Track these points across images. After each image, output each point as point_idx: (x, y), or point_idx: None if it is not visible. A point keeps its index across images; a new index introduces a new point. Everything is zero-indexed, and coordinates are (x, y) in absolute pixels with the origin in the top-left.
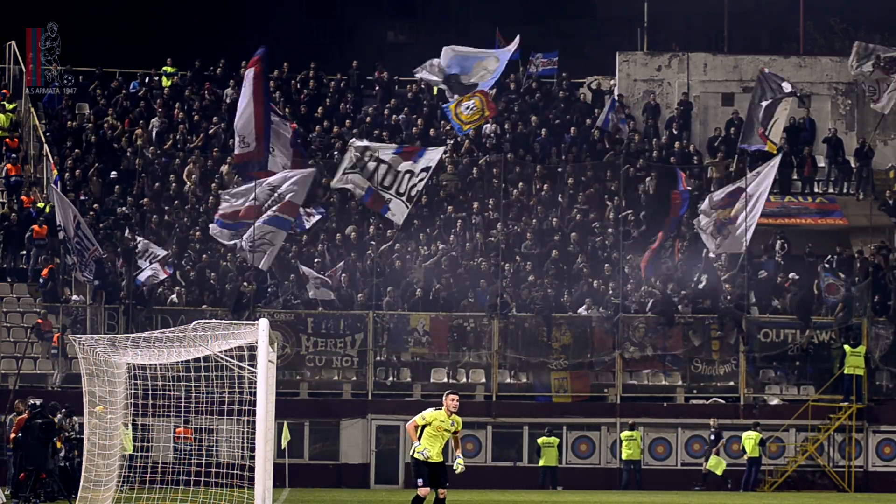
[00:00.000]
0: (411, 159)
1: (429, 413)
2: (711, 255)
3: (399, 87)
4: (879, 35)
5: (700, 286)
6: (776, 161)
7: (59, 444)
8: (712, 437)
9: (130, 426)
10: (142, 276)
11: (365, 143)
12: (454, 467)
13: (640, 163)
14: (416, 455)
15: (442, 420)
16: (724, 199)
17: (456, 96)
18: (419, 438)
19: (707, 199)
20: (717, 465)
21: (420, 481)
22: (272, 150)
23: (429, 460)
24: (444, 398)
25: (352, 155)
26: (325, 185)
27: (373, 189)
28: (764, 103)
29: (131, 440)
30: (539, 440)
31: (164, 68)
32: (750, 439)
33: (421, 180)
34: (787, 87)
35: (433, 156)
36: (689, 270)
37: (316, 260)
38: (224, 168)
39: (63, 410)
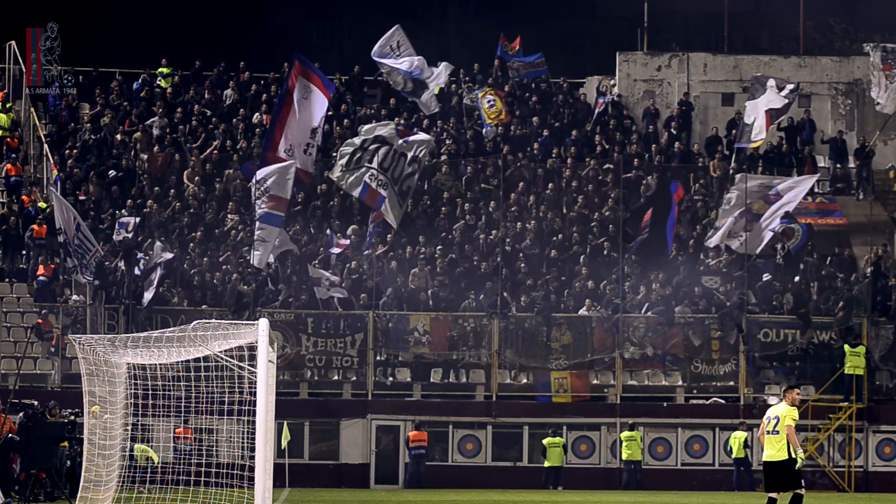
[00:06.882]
0: (405, 138)
1: (796, 411)
2: (712, 244)
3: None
4: (879, 35)
5: (697, 289)
6: (812, 179)
7: (65, 445)
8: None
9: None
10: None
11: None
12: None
13: (637, 162)
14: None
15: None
16: (760, 192)
17: (478, 88)
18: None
19: (739, 184)
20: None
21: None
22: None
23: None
24: (789, 393)
25: (351, 150)
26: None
27: (367, 184)
28: (748, 102)
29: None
30: (545, 440)
31: (160, 69)
32: (736, 440)
33: (412, 174)
34: (770, 83)
35: (422, 142)
36: (689, 270)
37: (316, 263)
38: (228, 173)
39: (64, 410)
